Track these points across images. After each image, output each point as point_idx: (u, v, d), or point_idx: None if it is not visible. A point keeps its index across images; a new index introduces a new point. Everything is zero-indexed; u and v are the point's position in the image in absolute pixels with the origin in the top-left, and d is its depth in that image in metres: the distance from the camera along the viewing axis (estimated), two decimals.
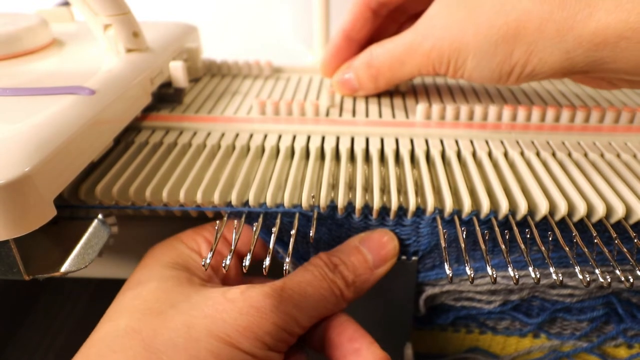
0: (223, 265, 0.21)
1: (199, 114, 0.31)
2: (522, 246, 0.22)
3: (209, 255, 0.21)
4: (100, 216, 0.24)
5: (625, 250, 0.21)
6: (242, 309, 0.20)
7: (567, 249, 0.21)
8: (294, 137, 0.29)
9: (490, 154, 0.27)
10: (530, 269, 0.21)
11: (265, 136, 0.29)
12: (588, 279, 0.20)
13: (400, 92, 0.35)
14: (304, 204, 0.23)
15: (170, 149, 0.28)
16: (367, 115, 0.31)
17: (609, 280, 0.21)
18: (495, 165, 0.27)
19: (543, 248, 0.21)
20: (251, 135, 0.29)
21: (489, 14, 0.25)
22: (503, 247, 0.22)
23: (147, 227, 0.27)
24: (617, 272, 0.21)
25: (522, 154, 0.27)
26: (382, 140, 0.28)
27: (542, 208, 0.22)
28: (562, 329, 0.27)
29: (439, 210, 0.24)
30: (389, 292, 0.25)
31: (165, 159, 0.27)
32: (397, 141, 0.28)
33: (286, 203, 0.24)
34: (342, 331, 0.22)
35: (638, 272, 0.21)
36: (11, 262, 0.20)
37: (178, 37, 0.36)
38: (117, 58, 0.29)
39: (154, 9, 0.62)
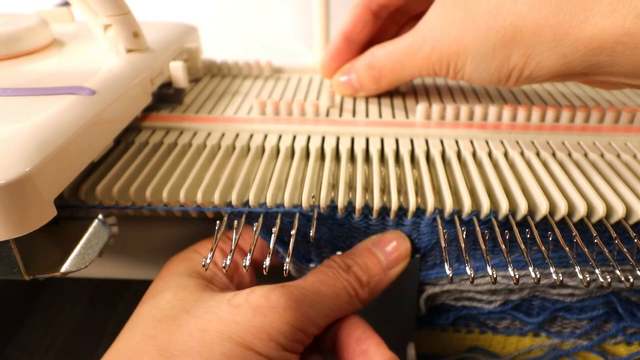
0: (223, 265, 0.21)
1: (199, 114, 0.31)
2: (522, 246, 0.22)
3: (209, 255, 0.21)
4: (100, 216, 0.24)
5: (625, 250, 0.21)
6: (255, 310, 0.20)
7: (567, 249, 0.21)
8: (294, 137, 0.29)
9: (490, 154, 0.27)
10: (530, 268, 0.21)
11: (266, 136, 0.29)
12: (588, 279, 0.20)
13: (400, 92, 0.35)
14: (304, 204, 0.23)
15: (170, 149, 0.28)
16: (367, 115, 0.31)
17: (609, 280, 0.21)
18: (495, 165, 0.27)
19: (543, 248, 0.21)
20: (251, 136, 0.29)
21: (486, 17, 0.25)
22: (503, 247, 0.22)
23: (148, 227, 0.27)
24: (617, 272, 0.21)
25: (522, 154, 0.27)
26: (382, 141, 0.28)
27: (542, 208, 0.22)
28: (562, 328, 0.27)
29: (439, 210, 0.24)
30: (391, 291, 0.25)
31: (166, 159, 0.27)
32: (397, 141, 0.28)
33: (286, 203, 0.24)
34: (351, 332, 0.22)
35: (638, 272, 0.21)
36: (11, 262, 0.20)
37: (178, 37, 0.36)
38: (117, 58, 0.29)
39: (154, 9, 0.62)
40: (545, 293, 0.26)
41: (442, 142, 0.28)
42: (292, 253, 0.23)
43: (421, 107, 0.30)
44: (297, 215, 0.23)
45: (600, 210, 0.22)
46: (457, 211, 0.24)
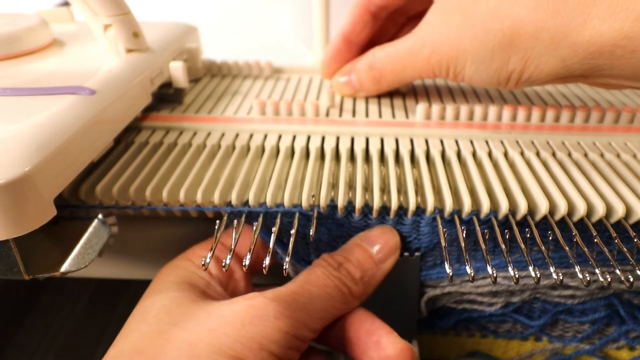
0: (223, 264, 0.21)
1: (199, 114, 0.31)
2: (522, 246, 0.22)
3: (209, 255, 0.21)
4: (100, 216, 0.24)
5: (625, 250, 0.21)
6: (245, 319, 0.19)
7: (567, 248, 0.21)
8: (294, 137, 0.29)
9: (490, 154, 0.27)
10: (531, 268, 0.21)
11: (265, 136, 0.29)
12: (588, 279, 0.20)
13: (400, 92, 0.35)
14: (304, 203, 0.23)
15: (170, 149, 0.28)
16: (367, 115, 0.31)
17: (609, 280, 0.21)
18: (495, 165, 0.27)
19: (543, 248, 0.21)
20: (251, 135, 0.29)
21: (484, 20, 0.25)
22: (503, 246, 0.22)
23: (147, 227, 0.27)
24: (617, 272, 0.21)
25: (522, 154, 0.27)
26: (382, 140, 0.28)
27: (542, 208, 0.22)
28: (564, 332, 0.27)
29: (439, 210, 0.24)
30: (393, 290, 0.25)
31: (166, 159, 0.27)
32: (397, 141, 0.28)
33: (286, 203, 0.24)
34: (359, 326, 0.22)
35: (638, 272, 0.21)
36: (11, 262, 0.20)
37: (178, 37, 0.36)
38: (117, 58, 0.29)
39: (154, 9, 0.62)
40: (546, 295, 0.26)
41: (442, 142, 0.28)
42: (291, 254, 0.22)
43: (421, 107, 0.30)
44: (297, 214, 0.23)
45: (600, 210, 0.22)
46: (457, 211, 0.24)
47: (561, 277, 0.20)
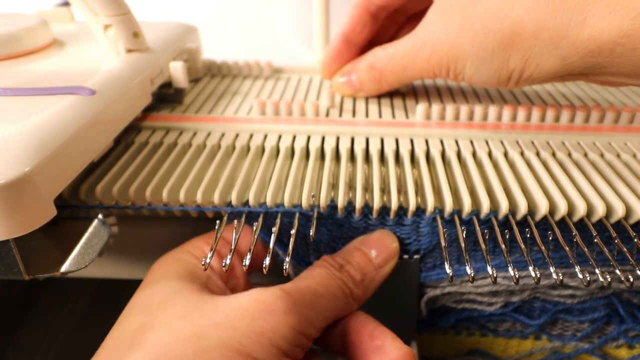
0: (223, 264, 0.21)
1: (199, 114, 0.31)
2: (522, 246, 0.22)
3: (209, 254, 0.21)
4: (100, 216, 0.24)
5: (625, 250, 0.21)
6: (255, 314, 0.19)
7: (567, 248, 0.21)
8: (294, 137, 0.29)
9: (490, 154, 0.27)
10: (531, 268, 0.21)
11: (265, 136, 0.29)
12: (588, 279, 0.20)
13: (400, 92, 0.35)
14: (304, 203, 0.23)
15: (170, 149, 0.28)
16: (367, 115, 0.31)
17: (609, 280, 0.21)
18: (495, 165, 0.27)
19: (543, 248, 0.21)
20: (251, 136, 0.29)
21: (484, 21, 0.25)
22: (503, 246, 0.22)
23: (147, 227, 0.27)
24: (617, 272, 0.21)
25: (522, 154, 0.27)
26: (382, 141, 0.28)
27: (542, 208, 0.22)
28: (564, 330, 0.27)
29: (439, 210, 0.24)
30: (392, 292, 0.25)
31: (166, 159, 0.27)
32: (397, 141, 0.28)
33: (286, 203, 0.24)
34: (361, 329, 0.21)
35: (638, 271, 0.21)
36: (11, 262, 0.20)
37: (178, 37, 0.36)
38: (117, 58, 0.29)
39: (154, 9, 0.62)
40: (546, 294, 0.26)
41: (442, 142, 0.28)
42: (291, 255, 0.22)
43: (421, 107, 0.30)
44: (297, 215, 0.23)
45: (600, 210, 0.22)
46: (457, 211, 0.24)
47: (561, 277, 0.20)
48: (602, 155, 0.27)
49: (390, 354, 0.20)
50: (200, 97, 0.34)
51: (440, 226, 0.23)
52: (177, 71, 0.32)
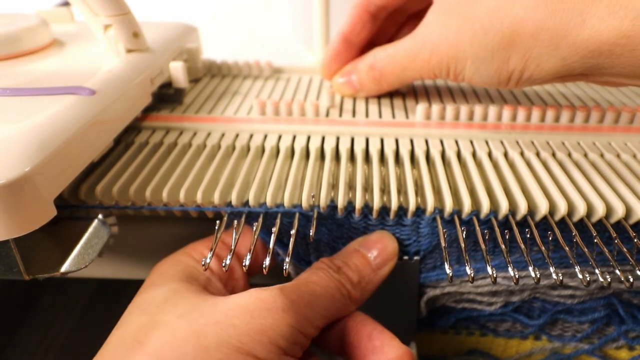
0: (223, 264, 0.21)
1: (199, 114, 0.31)
2: (522, 246, 0.22)
3: (209, 254, 0.21)
4: (100, 216, 0.24)
5: (625, 250, 0.21)
6: (254, 312, 0.19)
7: (567, 249, 0.21)
8: (294, 137, 0.29)
9: (490, 154, 0.27)
10: (530, 268, 0.21)
11: (265, 136, 0.29)
12: (588, 279, 0.20)
13: (400, 92, 0.35)
14: (304, 203, 0.23)
15: (170, 149, 0.28)
16: (367, 115, 0.31)
17: (609, 280, 0.21)
18: (495, 165, 0.27)
19: (543, 248, 0.21)
20: (251, 136, 0.29)
21: (483, 21, 0.25)
22: (503, 247, 0.22)
23: (148, 227, 0.27)
24: (617, 272, 0.21)
25: (522, 154, 0.27)
26: (382, 141, 0.28)
27: (542, 208, 0.22)
28: (564, 331, 0.27)
29: (439, 210, 0.24)
30: (392, 293, 0.25)
31: (166, 159, 0.27)
32: (397, 141, 0.28)
33: (286, 203, 0.24)
34: (360, 330, 0.22)
35: (638, 272, 0.21)
36: (11, 262, 0.20)
37: (178, 37, 0.36)
38: (117, 58, 0.29)
39: (154, 9, 0.62)
40: (545, 295, 0.26)
41: (442, 142, 0.28)
42: (291, 255, 0.22)
43: (421, 107, 0.30)
44: (297, 215, 0.23)
45: (600, 210, 0.22)
46: (457, 211, 0.24)
47: (561, 277, 0.20)
48: (602, 156, 0.27)
49: (389, 354, 0.20)
50: (200, 97, 0.34)
51: (440, 226, 0.23)
52: (177, 71, 0.32)
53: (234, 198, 0.23)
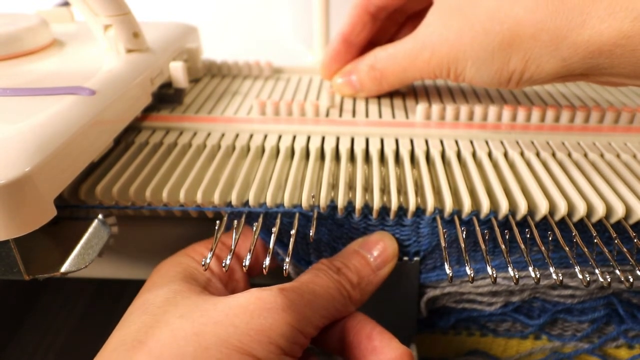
0: (223, 265, 0.21)
1: (199, 114, 0.31)
2: (522, 246, 0.22)
3: (209, 255, 0.21)
4: (100, 216, 0.24)
5: (625, 250, 0.21)
6: (254, 312, 0.19)
7: (567, 249, 0.21)
8: (294, 138, 0.29)
9: (490, 154, 0.27)
10: (530, 268, 0.21)
11: (265, 136, 0.29)
12: (588, 279, 0.20)
13: (400, 92, 0.35)
14: (304, 203, 0.23)
15: (170, 149, 0.28)
16: (367, 115, 0.31)
17: (609, 280, 0.21)
18: (495, 166, 0.27)
19: (543, 248, 0.21)
20: (251, 136, 0.29)
21: (484, 22, 0.25)
22: (503, 247, 0.22)
23: (147, 227, 0.27)
24: (617, 272, 0.21)
25: (522, 154, 0.27)
26: (382, 141, 0.28)
27: (542, 208, 0.22)
28: (563, 330, 0.27)
29: (439, 210, 0.24)
30: (392, 294, 0.25)
31: (166, 159, 0.27)
32: (397, 141, 0.28)
33: (286, 203, 0.24)
34: (359, 330, 0.22)
35: (638, 272, 0.21)
36: (11, 262, 0.20)
37: (178, 37, 0.36)
38: (117, 58, 0.29)
39: (154, 9, 0.62)
40: (545, 295, 0.26)
41: (442, 142, 0.28)
42: (292, 255, 0.22)
43: (421, 107, 0.30)
44: (297, 215, 0.23)
45: (600, 210, 0.22)
46: (457, 211, 0.24)
47: (561, 277, 0.20)
48: (602, 156, 0.27)
49: (388, 354, 0.20)
50: (200, 97, 0.34)
51: (440, 226, 0.23)
52: (177, 71, 0.32)
53: (234, 198, 0.23)
